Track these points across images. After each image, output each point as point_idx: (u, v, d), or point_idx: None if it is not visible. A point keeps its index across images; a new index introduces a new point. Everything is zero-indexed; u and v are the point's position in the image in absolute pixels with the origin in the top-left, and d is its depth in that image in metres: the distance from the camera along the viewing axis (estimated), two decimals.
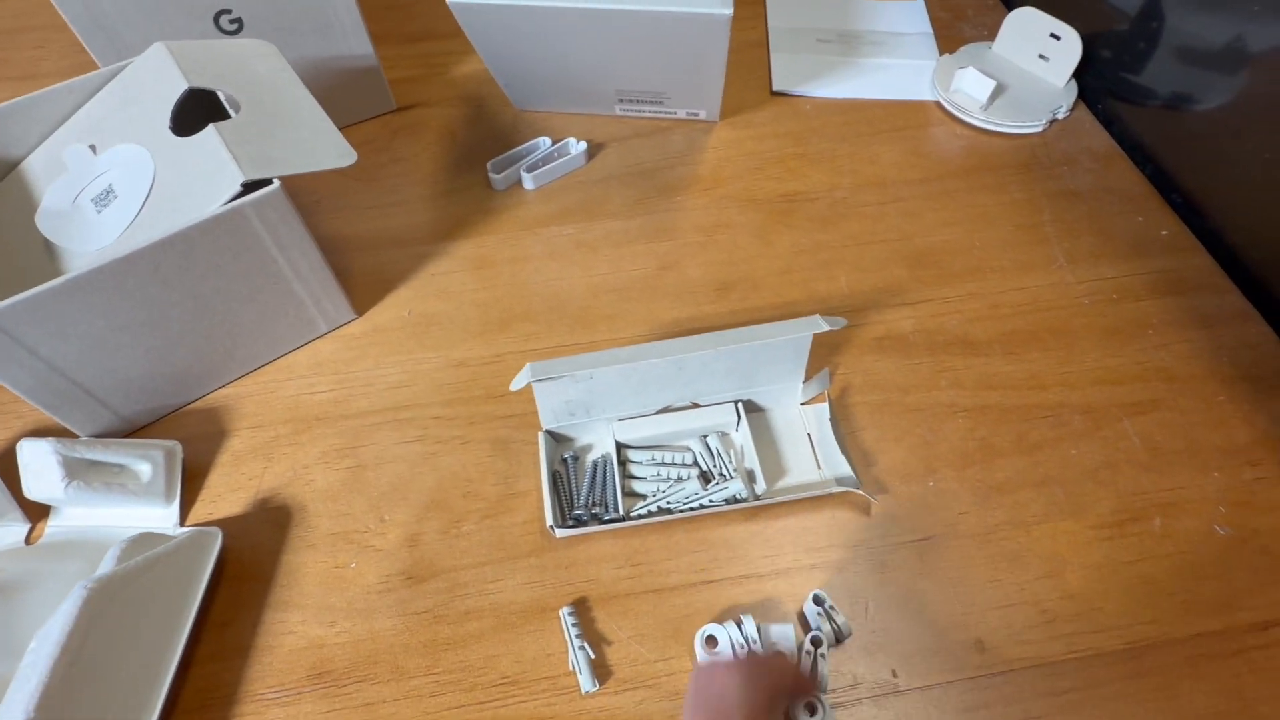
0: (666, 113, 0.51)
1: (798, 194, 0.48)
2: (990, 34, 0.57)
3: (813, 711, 0.29)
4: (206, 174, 0.33)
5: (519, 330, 0.42)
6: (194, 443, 0.37)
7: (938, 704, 0.30)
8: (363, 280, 0.44)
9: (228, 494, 0.36)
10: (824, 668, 0.30)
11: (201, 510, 0.36)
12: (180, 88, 0.36)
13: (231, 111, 0.37)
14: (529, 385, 0.32)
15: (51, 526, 0.35)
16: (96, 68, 0.39)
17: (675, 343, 0.33)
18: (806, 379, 0.37)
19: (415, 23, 0.59)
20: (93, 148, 0.37)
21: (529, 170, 0.47)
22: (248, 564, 0.34)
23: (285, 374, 0.40)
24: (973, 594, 0.32)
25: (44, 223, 0.36)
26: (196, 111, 0.38)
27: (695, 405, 0.37)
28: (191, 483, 0.36)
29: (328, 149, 0.36)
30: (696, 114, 0.51)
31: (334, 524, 0.35)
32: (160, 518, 0.35)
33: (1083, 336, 0.41)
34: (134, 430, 0.38)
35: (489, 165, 0.48)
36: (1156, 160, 0.48)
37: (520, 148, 0.49)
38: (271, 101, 0.37)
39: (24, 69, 0.56)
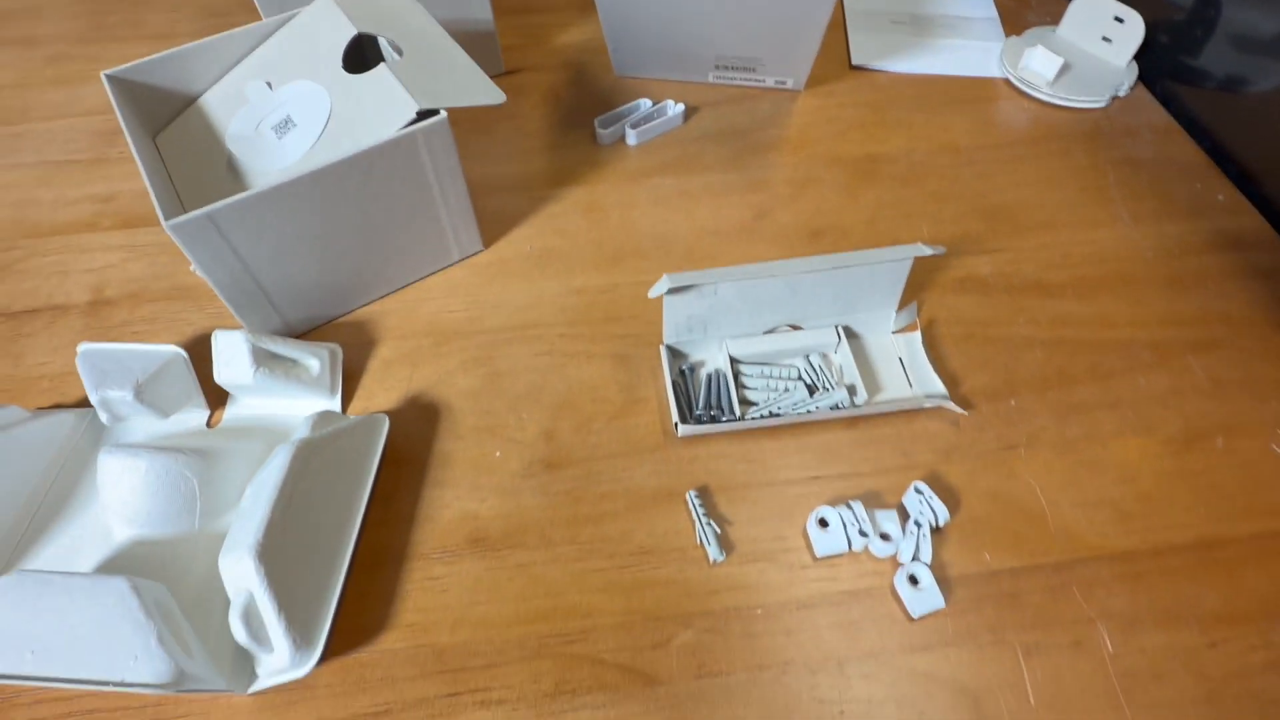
0: (756, 80, 0.55)
1: (878, 155, 0.52)
2: (1053, 20, 0.61)
3: (915, 582, 0.33)
4: (380, 105, 0.38)
5: (630, 265, 0.46)
6: (347, 349, 0.42)
7: (1026, 581, 0.34)
8: (487, 218, 0.48)
9: (381, 393, 0.40)
10: (926, 545, 0.34)
11: (359, 405, 0.40)
12: (350, 32, 0.41)
13: (393, 56, 0.41)
14: (658, 298, 0.37)
15: (229, 413, 0.39)
16: (226, 30, 0.43)
17: (794, 262, 0.37)
18: (898, 310, 0.41)
19: None
20: (269, 84, 0.42)
21: (633, 126, 0.52)
22: (403, 450, 0.38)
23: (423, 294, 0.44)
24: (1055, 494, 0.36)
25: (233, 144, 0.41)
26: (357, 59, 0.43)
27: (797, 328, 0.41)
28: (348, 383, 0.41)
29: (481, 89, 0.40)
30: (784, 83, 0.55)
31: (478, 420, 0.39)
32: (325, 407, 0.39)
33: (1148, 284, 0.44)
34: (293, 334, 0.42)
35: (596, 121, 0.52)
36: (1213, 136, 0.52)
37: (623, 107, 0.53)
38: (427, 48, 0.42)
39: (160, 29, 0.61)
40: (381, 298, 0.44)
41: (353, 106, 0.39)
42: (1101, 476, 0.37)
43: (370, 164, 0.37)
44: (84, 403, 0.40)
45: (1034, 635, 0.32)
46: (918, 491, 0.35)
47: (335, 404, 0.39)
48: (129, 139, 0.36)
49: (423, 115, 0.38)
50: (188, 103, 0.44)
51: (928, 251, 0.37)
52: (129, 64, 0.40)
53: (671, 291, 0.37)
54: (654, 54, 0.53)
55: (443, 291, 0.45)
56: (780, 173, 0.51)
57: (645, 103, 0.54)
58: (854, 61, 0.57)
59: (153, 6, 0.63)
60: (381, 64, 0.39)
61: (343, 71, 0.40)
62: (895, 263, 0.38)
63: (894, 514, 0.35)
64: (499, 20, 0.61)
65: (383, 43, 0.42)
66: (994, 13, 0.62)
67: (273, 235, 0.37)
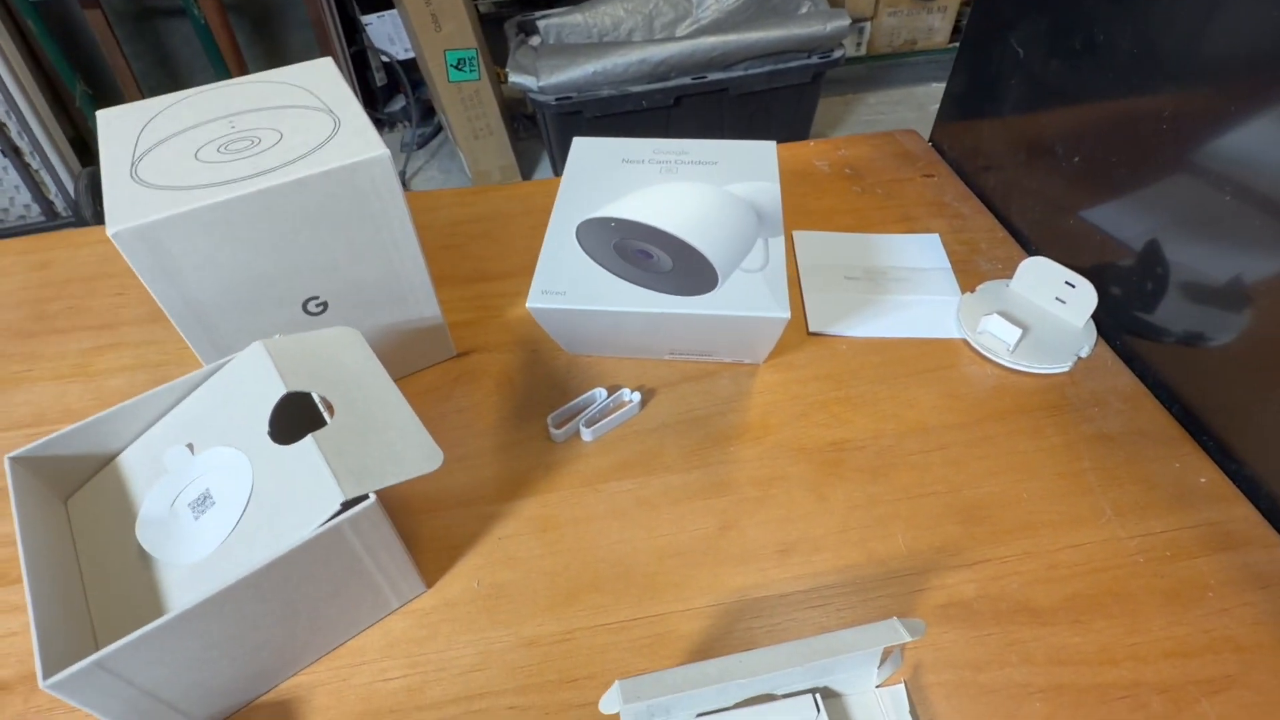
0: (714, 358, 0.54)
1: (845, 442, 0.50)
2: (1004, 268, 0.62)
3: None
4: (305, 487, 0.35)
5: (588, 602, 0.42)
6: None
7: None
8: (430, 546, 0.45)
9: None
10: None
11: None
12: (278, 391, 0.39)
13: (325, 414, 0.39)
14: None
15: None
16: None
17: (761, 657, 0.33)
18: (880, 664, 0.38)
19: (467, 264, 0.64)
20: (190, 447, 0.39)
21: (588, 425, 0.49)
22: None
23: (357, 658, 0.40)
24: None
25: (143, 533, 0.37)
26: (290, 408, 0.41)
27: (770, 697, 0.37)
28: None
29: (416, 453, 0.38)
30: (742, 360, 0.54)
31: None
32: None
33: (1144, 601, 0.41)
34: None
35: (549, 420, 0.50)
36: (1181, 400, 0.51)
37: (577, 400, 0.51)
38: (361, 400, 0.40)
39: (105, 317, 0.60)
40: (310, 665, 0.40)
41: (276, 483, 0.36)
42: None
43: (289, 564, 0.34)
44: None
45: None
46: None
47: None
48: (24, 565, 0.33)
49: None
50: (104, 462, 0.41)
51: (906, 637, 0.33)
52: (40, 441, 0.38)
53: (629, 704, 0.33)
54: (604, 346, 0.52)
55: (379, 651, 0.40)
56: (744, 469, 0.48)
57: (600, 393, 0.52)
58: (811, 328, 0.57)
59: (97, 292, 0.62)
60: (309, 437, 0.36)
61: (267, 439, 0.38)
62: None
63: None
64: (448, 293, 0.61)
65: (315, 397, 0.40)
66: (947, 263, 0.62)
67: (177, 655, 0.33)
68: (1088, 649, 0.39)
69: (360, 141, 0.43)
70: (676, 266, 0.44)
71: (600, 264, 0.44)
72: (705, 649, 0.40)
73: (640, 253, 0.45)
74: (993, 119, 0.68)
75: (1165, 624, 0.40)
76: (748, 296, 0.43)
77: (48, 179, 1.98)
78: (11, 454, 0.37)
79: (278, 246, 0.43)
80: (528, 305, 0.44)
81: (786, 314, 0.42)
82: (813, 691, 0.37)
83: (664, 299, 0.43)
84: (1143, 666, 0.39)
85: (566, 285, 0.44)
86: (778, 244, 0.46)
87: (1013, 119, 0.65)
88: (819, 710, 0.36)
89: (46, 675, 0.29)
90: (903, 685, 0.37)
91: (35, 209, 2.00)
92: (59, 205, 2.02)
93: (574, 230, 0.47)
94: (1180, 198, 0.49)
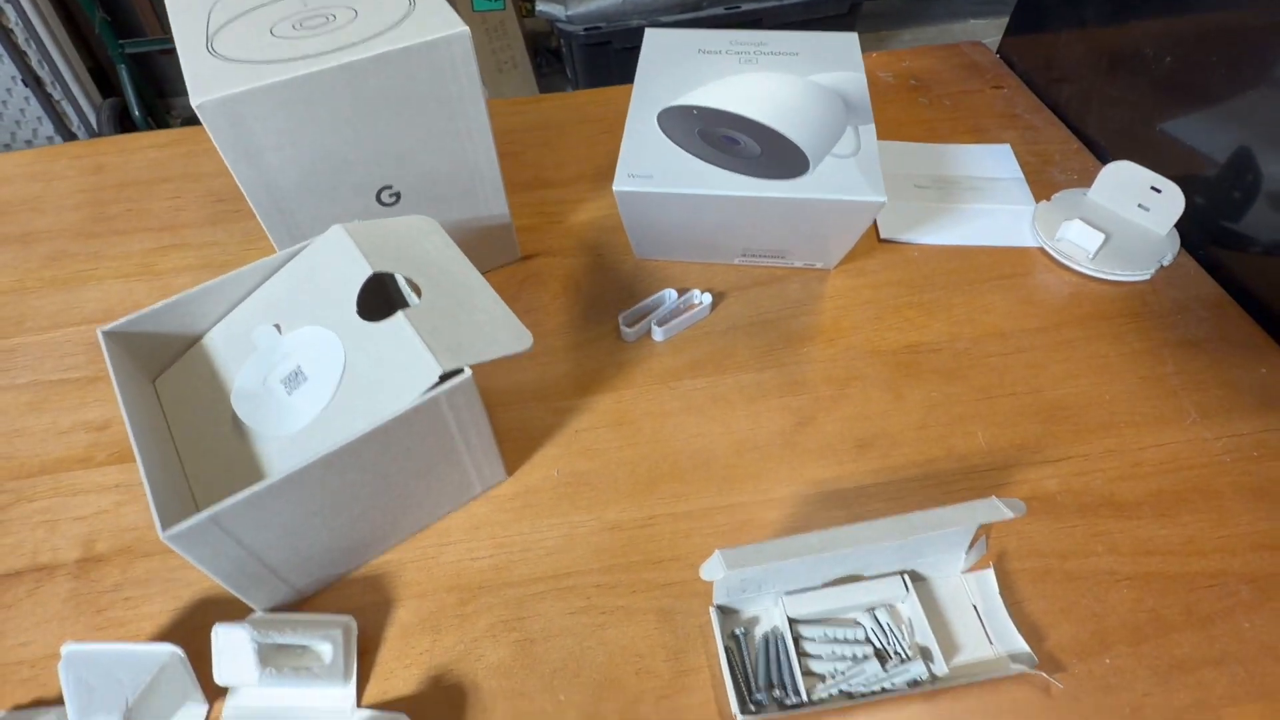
0: (785, 263, 0.53)
1: (920, 345, 0.49)
2: (1079, 178, 0.60)
3: None
4: (400, 362, 0.35)
5: (667, 490, 0.42)
6: (361, 613, 0.38)
7: None
8: (508, 438, 0.45)
9: (400, 670, 0.36)
10: None
11: (375, 689, 0.36)
12: (364, 272, 0.38)
13: (410, 295, 0.39)
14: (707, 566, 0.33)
15: (229, 707, 0.35)
16: (235, 219, 0.41)
17: (863, 529, 0.33)
18: (968, 550, 0.38)
19: (527, 171, 0.63)
20: (277, 327, 0.39)
21: (660, 324, 0.49)
22: None
23: (444, 538, 0.41)
24: None
25: (239, 405, 0.37)
26: (373, 291, 0.40)
27: (858, 578, 0.37)
28: (364, 658, 0.37)
29: (507, 333, 0.37)
30: (814, 264, 0.53)
31: (511, 705, 0.35)
32: (338, 698, 0.35)
33: (1231, 497, 0.41)
34: (303, 600, 0.38)
35: (621, 318, 0.50)
36: (1270, 308, 0.50)
37: (648, 300, 0.51)
38: (446, 283, 0.39)
39: (164, 219, 0.60)
40: (399, 543, 0.41)
41: (368, 359, 0.36)
42: None
43: (388, 434, 0.34)
44: None
45: None
46: None
47: (349, 691, 0.35)
48: (130, 429, 0.33)
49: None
50: (189, 344, 0.41)
51: (1008, 514, 0.33)
52: (127, 317, 0.38)
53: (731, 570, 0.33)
54: (677, 246, 0.51)
55: (465, 533, 0.41)
56: (818, 369, 0.48)
57: (671, 294, 0.51)
58: (882, 235, 0.55)
59: (155, 195, 0.62)
60: (399, 313, 0.36)
61: (356, 317, 0.37)
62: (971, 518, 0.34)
63: None
64: (511, 198, 0.60)
65: (399, 279, 0.40)
66: (1019, 173, 0.60)
67: (282, 518, 0.33)
68: (1174, 540, 0.39)
69: (439, 19, 0.41)
70: (765, 152, 0.43)
71: (686, 150, 0.43)
72: (788, 535, 0.40)
73: (726, 139, 0.43)
74: (1070, 28, 0.65)
75: (1253, 519, 0.40)
76: (842, 181, 0.42)
77: (69, 109, 1.96)
78: (103, 328, 0.37)
79: (356, 128, 0.42)
80: (614, 188, 0.43)
81: (883, 198, 0.41)
82: (900, 574, 0.37)
83: (755, 183, 0.42)
84: (1231, 558, 0.39)
85: (653, 169, 0.43)
86: (869, 131, 0.44)
87: (1094, 27, 0.62)
88: (908, 589, 0.37)
89: (165, 528, 0.30)
90: (991, 569, 0.38)
91: (58, 140, 1.98)
92: (81, 136, 2.01)
93: (655, 118, 0.45)
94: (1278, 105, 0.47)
